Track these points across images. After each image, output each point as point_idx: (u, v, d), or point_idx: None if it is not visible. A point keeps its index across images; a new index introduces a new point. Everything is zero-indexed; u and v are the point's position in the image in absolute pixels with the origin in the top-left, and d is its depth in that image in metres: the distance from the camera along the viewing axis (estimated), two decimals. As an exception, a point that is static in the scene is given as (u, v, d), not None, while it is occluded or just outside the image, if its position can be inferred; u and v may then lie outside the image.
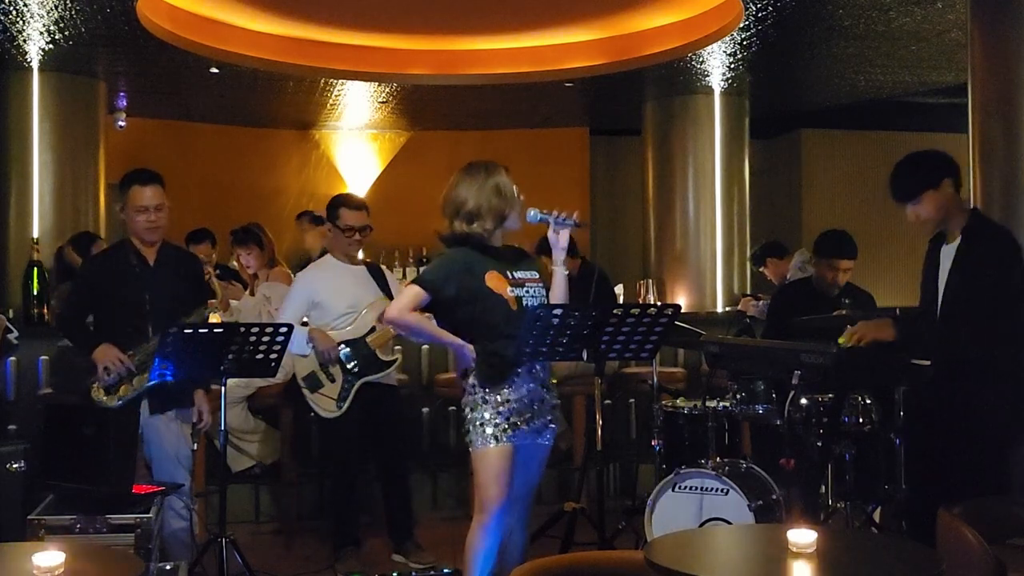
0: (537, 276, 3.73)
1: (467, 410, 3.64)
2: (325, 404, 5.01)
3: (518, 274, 3.69)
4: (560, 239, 3.72)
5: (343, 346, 5.00)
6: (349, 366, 5.00)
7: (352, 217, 5.07)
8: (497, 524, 3.59)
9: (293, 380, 5.19)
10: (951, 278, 3.83)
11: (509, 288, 3.64)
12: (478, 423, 3.60)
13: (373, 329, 5.01)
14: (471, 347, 3.66)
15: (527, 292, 3.67)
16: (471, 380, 3.64)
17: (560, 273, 3.73)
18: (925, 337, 3.88)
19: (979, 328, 3.72)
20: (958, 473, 3.73)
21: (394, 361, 5.14)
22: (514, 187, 3.70)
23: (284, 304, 5.25)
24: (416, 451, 6.18)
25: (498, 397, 3.59)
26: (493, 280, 3.63)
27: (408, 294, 3.73)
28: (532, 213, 3.69)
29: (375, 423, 5.11)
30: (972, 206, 4.18)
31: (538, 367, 3.65)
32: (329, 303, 5.05)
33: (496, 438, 3.56)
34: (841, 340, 3.92)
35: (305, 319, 5.10)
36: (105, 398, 4.30)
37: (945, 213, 3.86)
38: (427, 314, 3.86)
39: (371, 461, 5.31)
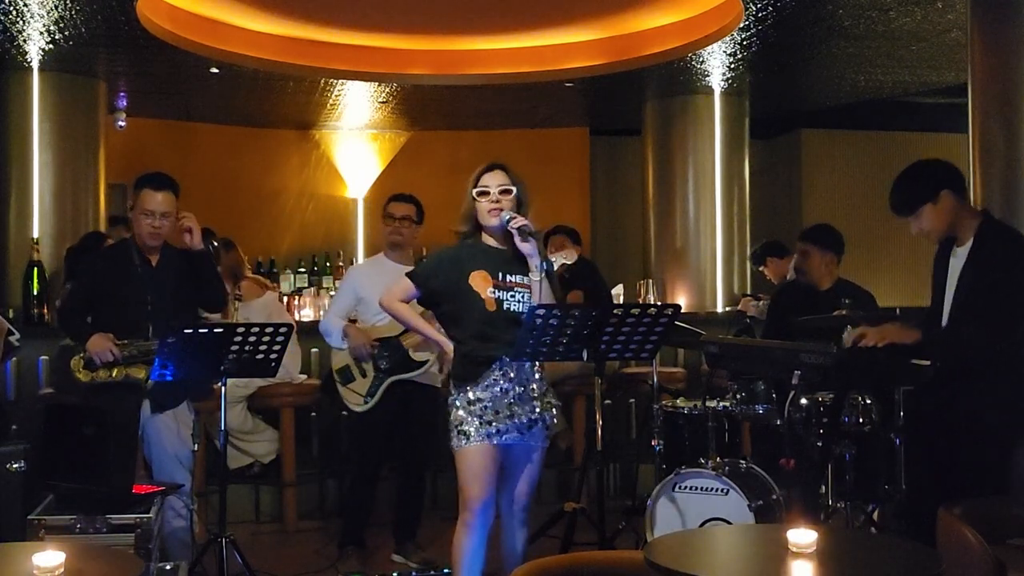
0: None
1: (449, 411, 3.69)
2: (353, 399, 5.08)
3: (510, 277, 3.68)
4: (524, 247, 3.63)
5: (377, 344, 5.02)
6: (380, 363, 5.03)
7: (394, 207, 5.18)
8: (481, 522, 3.61)
9: (329, 372, 5.27)
10: (962, 281, 3.81)
11: (491, 289, 3.65)
12: (454, 423, 3.65)
13: (407, 329, 5.02)
14: (451, 345, 3.71)
15: (512, 296, 3.66)
16: (450, 384, 3.71)
17: (534, 281, 3.65)
18: (938, 340, 3.85)
19: (989, 330, 3.71)
20: (958, 473, 3.73)
21: (426, 361, 5.13)
22: (475, 188, 3.67)
23: (334, 298, 5.40)
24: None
25: (469, 395, 3.63)
26: (477, 279, 3.66)
27: (400, 284, 3.89)
28: (504, 215, 3.65)
29: (404, 421, 5.14)
30: (982, 208, 4.15)
31: (513, 366, 3.63)
32: (371, 299, 5.08)
33: (469, 436, 3.59)
34: (854, 338, 3.90)
35: (353, 313, 5.19)
36: (80, 373, 4.34)
37: (949, 223, 3.84)
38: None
39: (391, 459, 5.33)
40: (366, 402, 5.06)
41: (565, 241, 6.36)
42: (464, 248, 3.75)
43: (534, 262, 3.63)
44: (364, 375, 5.08)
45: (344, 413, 5.33)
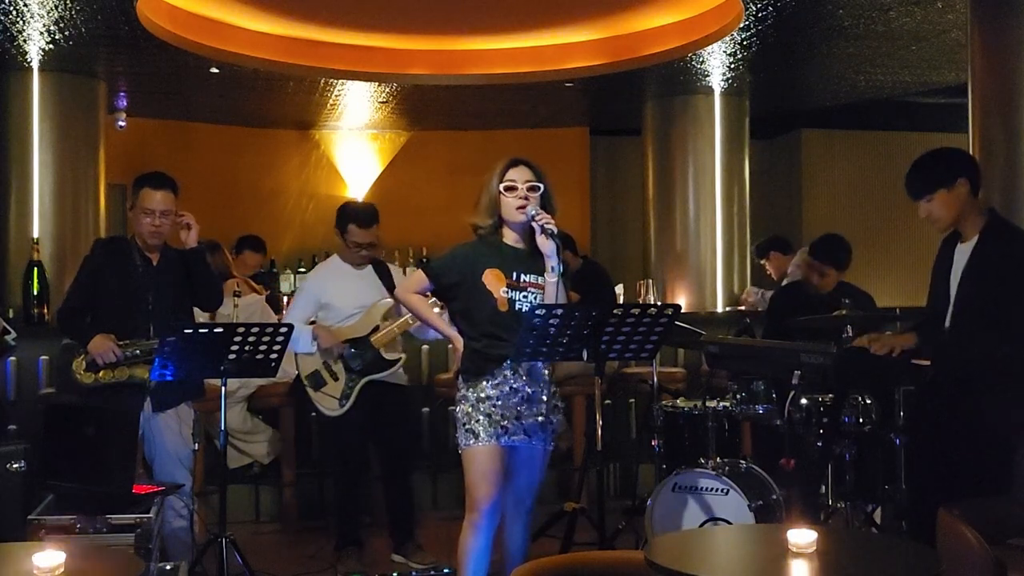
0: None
1: (456, 406, 3.68)
2: (328, 403, 5.03)
3: (524, 277, 3.65)
4: (544, 245, 3.60)
5: (347, 345, 5.01)
6: (353, 365, 5.01)
7: (360, 235, 5.09)
8: (488, 523, 3.60)
9: (297, 379, 5.20)
10: (965, 278, 3.81)
11: (504, 289, 3.62)
12: (462, 419, 3.63)
13: (377, 328, 5.03)
14: (460, 340, 3.70)
15: (525, 298, 3.63)
16: (459, 379, 3.70)
17: (550, 282, 3.62)
18: (937, 341, 3.85)
19: (992, 329, 3.70)
20: (959, 473, 3.73)
21: (398, 360, 5.14)
22: (502, 182, 3.62)
23: (292, 304, 5.31)
24: (416, 451, 6.19)
25: (478, 394, 3.61)
26: (490, 278, 3.63)
27: (413, 277, 3.93)
28: (530, 210, 3.60)
29: (379, 422, 5.12)
30: (990, 206, 4.15)
31: (524, 366, 3.62)
32: (338, 304, 5.08)
33: (478, 436, 3.58)
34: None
35: (313, 319, 5.13)
36: (82, 374, 4.34)
37: (958, 214, 3.83)
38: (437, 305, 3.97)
39: (374, 460, 5.32)
40: (341, 405, 5.01)
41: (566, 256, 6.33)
42: (480, 245, 3.71)
43: (551, 262, 3.59)
44: (336, 378, 5.03)
45: (313, 414, 5.30)
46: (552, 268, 3.60)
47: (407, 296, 3.90)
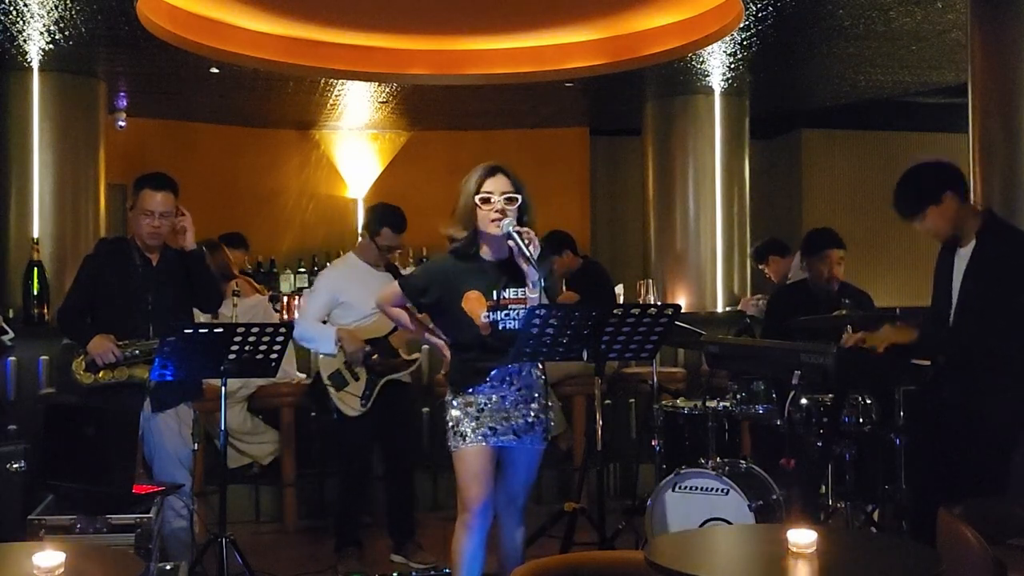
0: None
1: (445, 411, 3.67)
2: (350, 402, 5.05)
3: (506, 294, 3.53)
4: (522, 265, 3.47)
5: (367, 346, 5.03)
6: (374, 365, 5.03)
7: (393, 239, 5.12)
8: (480, 523, 3.59)
9: (316, 378, 5.21)
10: (966, 281, 3.82)
11: (485, 313, 3.53)
12: (451, 423, 3.62)
13: (395, 328, 5.03)
14: (447, 348, 3.70)
15: (508, 316, 3.53)
16: (448, 386, 3.69)
17: (531, 298, 3.50)
18: (939, 338, 3.86)
19: (992, 327, 3.71)
20: (959, 473, 3.73)
21: (415, 360, 5.16)
22: (478, 193, 3.49)
23: (308, 301, 5.31)
24: (416, 451, 6.19)
25: (466, 399, 3.59)
26: (470, 302, 3.54)
27: (389, 289, 3.89)
28: (507, 222, 3.46)
29: (386, 421, 5.14)
30: (986, 208, 4.16)
31: (513, 370, 3.59)
32: (357, 304, 5.05)
33: (465, 438, 3.56)
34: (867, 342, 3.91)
35: (326, 316, 5.14)
36: (82, 374, 4.34)
37: (955, 223, 3.85)
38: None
39: (378, 460, 5.33)
40: (363, 405, 5.03)
41: (567, 258, 6.33)
42: (457, 263, 3.59)
43: (531, 279, 3.48)
44: (357, 378, 5.04)
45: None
46: (532, 284, 3.48)
47: (387, 308, 3.88)
